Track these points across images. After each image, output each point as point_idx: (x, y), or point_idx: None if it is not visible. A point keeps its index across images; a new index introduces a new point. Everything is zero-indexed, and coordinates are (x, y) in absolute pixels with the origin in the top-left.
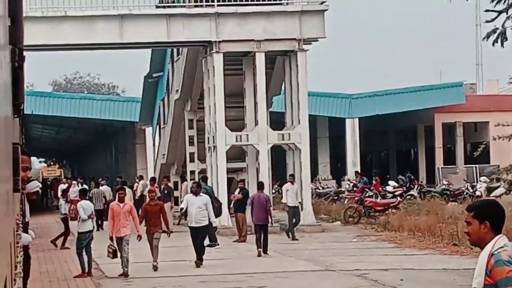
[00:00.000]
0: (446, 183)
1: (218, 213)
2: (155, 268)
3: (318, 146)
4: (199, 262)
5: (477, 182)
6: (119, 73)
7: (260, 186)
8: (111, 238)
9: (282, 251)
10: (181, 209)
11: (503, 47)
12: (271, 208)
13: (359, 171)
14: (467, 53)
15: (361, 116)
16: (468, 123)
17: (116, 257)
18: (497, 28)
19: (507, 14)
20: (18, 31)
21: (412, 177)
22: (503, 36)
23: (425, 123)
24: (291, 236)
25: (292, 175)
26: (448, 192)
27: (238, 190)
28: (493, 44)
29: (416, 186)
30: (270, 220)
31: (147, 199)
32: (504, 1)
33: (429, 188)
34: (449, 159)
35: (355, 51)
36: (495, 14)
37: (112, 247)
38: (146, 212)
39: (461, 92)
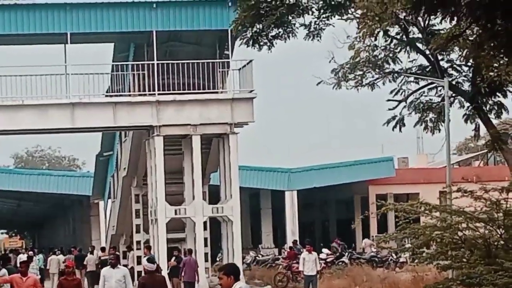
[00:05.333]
0: (374, 250)
1: None
2: None
3: (261, 216)
4: None
5: None
6: (79, 146)
7: (189, 251)
8: None
9: None
10: None
11: (401, 131)
12: (199, 269)
13: (297, 240)
14: (409, 126)
15: (300, 189)
16: (401, 194)
17: None
18: (396, 116)
19: (405, 103)
20: None
21: (345, 245)
22: (401, 123)
23: (361, 195)
24: None
25: (310, 244)
26: (376, 259)
27: (173, 258)
28: (392, 129)
29: (347, 253)
30: (197, 278)
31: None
32: (401, 93)
33: (359, 255)
34: (384, 227)
35: (299, 127)
36: (395, 103)
37: None
38: (62, 287)
39: (391, 166)
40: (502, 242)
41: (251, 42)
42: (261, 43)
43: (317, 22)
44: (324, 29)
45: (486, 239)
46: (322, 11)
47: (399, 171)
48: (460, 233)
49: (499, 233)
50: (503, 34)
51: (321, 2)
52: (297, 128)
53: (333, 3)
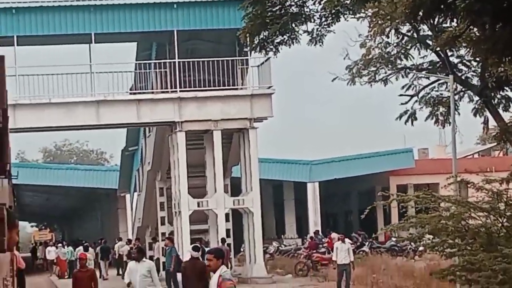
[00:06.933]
0: (394, 240)
1: (179, 268)
2: None
3: (285, 208)
4: None
5: None
6: (106, 140)
7: (223, 241)
8: None
9: None
10: (128, 284)
11: (413, 125)
12: (230, 258)
13: (319, 230)
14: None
15: (321, 180)
16: (421, 184)
17: None
18: (408, 110)
19: (417, 97)
20: (0, 91)
21: (365, 235)
22: (413, 117)
23: (382, 185)
24: None
25: (343, 234)
26: (396, 248)
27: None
28: (405, 123)
29: (367, 243)
30: (230, 265)
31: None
32: (413, 88)
33: (379, 245)
34: (404, 217)
35: (320, 121)
36: (407, 98)
37: None
38: (76, 279)
39: (411, 157)
40: (503, 231)
41: (258, 49)
42: (267, 49)
43: (319, 29)
44: (325, 35)
45: (488, 228)
46: (323, 19)
47: (419, 162)
48: (463, 222)
49: (501, 222)
50: (490, 38)
51: (322, 11)
52: (318, 121)
53: (333, 11)
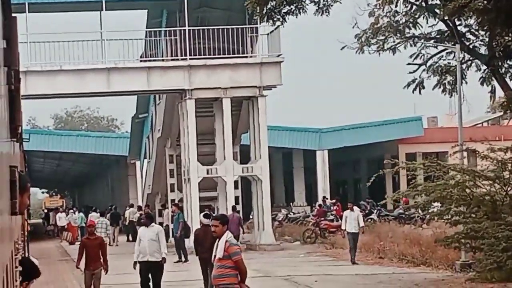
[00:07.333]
0: (402, 208)
1: (186, 234)
2: None
3: (294, 175)
4: None
5: None
6: (117, 107)
7: (234, 208)
8: None
9: None
10: (134, 264)
11: (421, 94)
12: (242, 224)
13: (327, 197)
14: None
15: (331, 148)
16: (430, 153)
17: None
18: (416, 79)
19: (425, 66)
20: (13, 52)
21: (374, 202)
22: (421, 85)
23: (391, 154)
24: (352, 259)
25: (352, 203)
26: (404, 216)
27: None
28: (412, 92)
29: (375, 210)
30: (242, 230)
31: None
32: (421, 57)
33: (387, 213)
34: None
35: (335, 88)
36: (416, 66)
37: None
38: (85, 246)
39: (420, 125)
40: (508, 199)
41: (265, 18)
42: (275, 19)
43: None
44: (332, 5)
45: (492, 196)
46: None
47: (428, 130)
48: (468, 191)
49: (505, 190)
50: (494, 8)
51: None
52: (327, 90)
53: None
